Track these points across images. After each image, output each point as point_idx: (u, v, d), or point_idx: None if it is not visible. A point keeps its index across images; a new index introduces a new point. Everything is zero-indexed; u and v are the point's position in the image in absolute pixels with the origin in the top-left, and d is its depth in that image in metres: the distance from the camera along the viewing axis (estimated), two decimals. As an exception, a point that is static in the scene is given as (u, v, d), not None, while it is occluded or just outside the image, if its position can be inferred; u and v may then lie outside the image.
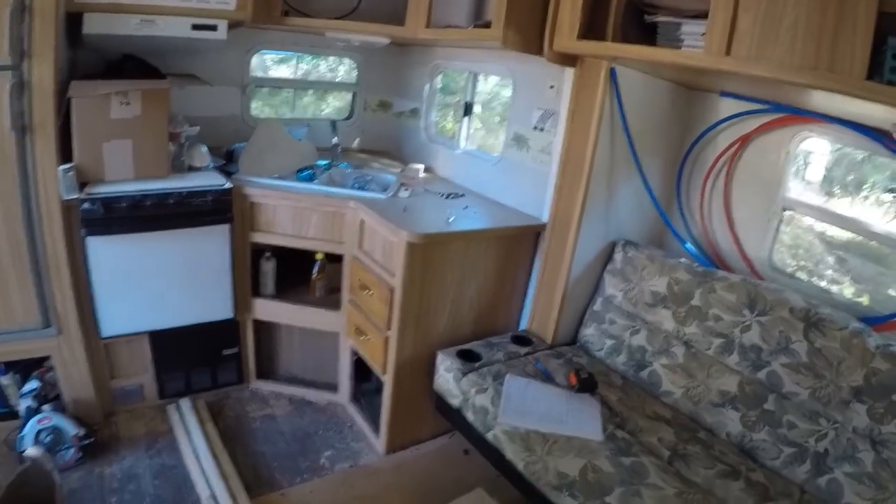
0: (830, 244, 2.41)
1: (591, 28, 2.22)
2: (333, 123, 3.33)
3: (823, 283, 2.40)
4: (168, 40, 2.49)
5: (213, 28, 2.53)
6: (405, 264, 2.35)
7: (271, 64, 3.84)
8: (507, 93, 3.10)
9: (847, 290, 2.38)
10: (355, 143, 3.75)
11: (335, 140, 3.24)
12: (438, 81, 3.55)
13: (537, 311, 2.66)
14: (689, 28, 1.98)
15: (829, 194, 2.42)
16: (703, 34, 1.87)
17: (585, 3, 2.18)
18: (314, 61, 3.92)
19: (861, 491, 1.87)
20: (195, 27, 2.48)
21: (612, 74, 2.27)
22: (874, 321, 2.19)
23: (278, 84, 3.86)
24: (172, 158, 2.61)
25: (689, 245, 2.67)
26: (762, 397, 2.13)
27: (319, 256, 2.84)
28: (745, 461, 2.06)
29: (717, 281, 2.29)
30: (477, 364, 2.41)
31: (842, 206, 2.39)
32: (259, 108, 3.66)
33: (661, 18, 2.09)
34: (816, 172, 2.45)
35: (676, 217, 2.73)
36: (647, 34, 2.14)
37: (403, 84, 3.72)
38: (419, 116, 3.60)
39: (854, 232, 2.33)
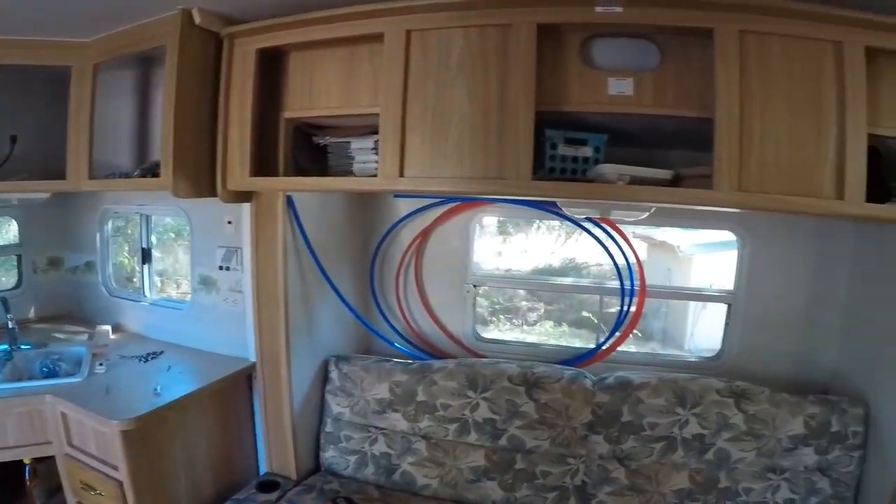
0: (526, 306, 2.61)
1: (264, 161, 2.17)
2: (3, 300, 2.81)
3: (532, 339, 2.56)
4: None
5: None
6: (126, 455, 2.05)
7: None
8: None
9: (555, 339, 2.55)
10: (31, 313, 3.22)
11: (9, 319, 2.73)
12: (110, 228, 3.21)
13: (273, 451, 2.49)
14: (359, 144, 2.04)
15: (505, 233, 2.59)
16: (374, 149, 1.94)
17: (254, 139, 2.12)
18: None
19: (627, 501, 2.20)
20: None
21: (289, 201, 2.25)
22: (587, 356, 2.43)
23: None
24: None
25: (397, 344, 2.74)
26: (510, 460, 2.28)
27: (28, 461, 2.38)
28: (517, 517, 2.18)
29: (434, 373, 2.37)
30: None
31: (518, 240, 2.57)
32: None
33: (329, 140, 2.13)
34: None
35: (378, 319, 2.79)
36: (320, 155, 2.18)
37: (73, 235, 3.29)
38: (95, 270, 3.21)
39: (538, 288, 2.53)
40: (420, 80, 1.82)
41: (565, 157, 1.89)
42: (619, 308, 2.50)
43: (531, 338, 2.66)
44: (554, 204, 2.15)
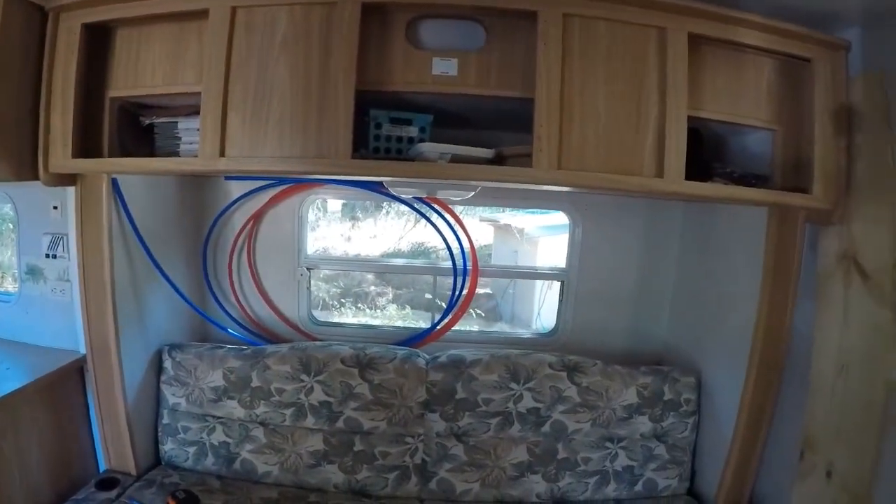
0: (375, 291, 2.61)
1: (89, 143, 2.05)
2: None
3: (376, 321, 2.55)
4: None
5: None
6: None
7: None
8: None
9: (402, 322, 2.55)
10: None
11: None
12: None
13: (110, 447, 2.38)
14: (186, 124, 1.98)
15: (354, 219, 2.57)
16: (200, 129, 1.87)
17: (77, 119, 2.00)
18: None
19: (467, 477, 2.26)
20: None
21: (115, 184, 2.17)
22: (423, 336, 2.43)
23: None
24: None
25: (231, 330, 2.70)
26: (349, 442, 2.29)
27: None
28: (359, 499, 2.23)
29: (267, 358, 2.34)
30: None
31: (367, 227, 2.55)
32: None
33: (155, 120, 2.06)
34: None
35: (212, 305, 2.73)
36: (146, 136, 2.10)
37: None
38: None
39: (372, 269, 2.51)
40: (243, 59, 1.78)
41: (390, 136, 1.91)
42: (452, 288, 2.50)
43: (376, 321, 2.64)
44: (381, 184, 2.12)
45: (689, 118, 1.72)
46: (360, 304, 2.67)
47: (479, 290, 3.10)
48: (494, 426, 2.25)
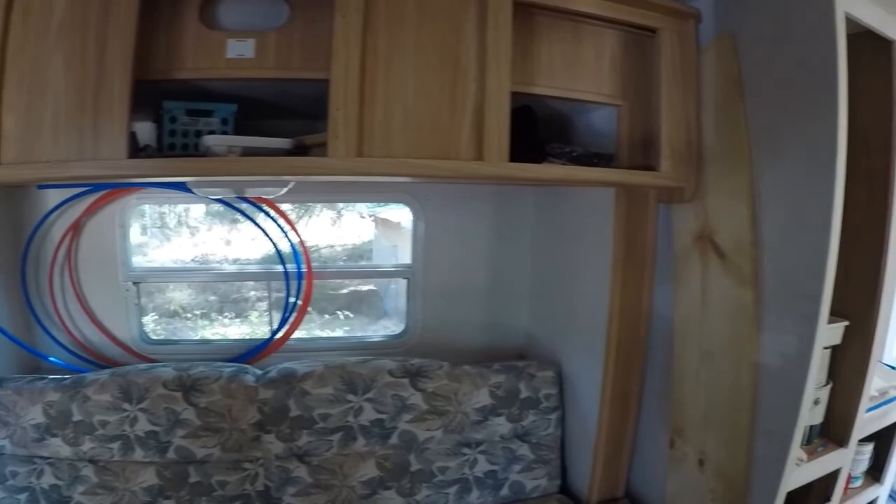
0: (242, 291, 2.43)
1: None
2: None
3: (210, 335, 2.36)
4: None
5: None
6: None
7: None
8: None
9: (235, 332, 2.38)
10: None
11: None
12: None
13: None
14: None
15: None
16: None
17: None
18: None
19: (315, 500, 2.05)
20: None
21: None
22: (261, 348, 2.26)
23: None
24: None
25: (53, 358, 2.43)
26: (183, 474, 2.07)
27: None
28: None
29: (87, 387, 2.09)
30: None
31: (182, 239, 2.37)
32: None
33: None
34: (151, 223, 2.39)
35: (36, 331, 2.45)
36: None
37: None
38: None
39: (202, 279, 2.33)
40: (19, 50, 1.52)
41: (187, 131, 1.68)
42: (286, 294, 2.32)
43: (230, 335, 2.46)
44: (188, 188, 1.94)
45: (519, 95, 1.54)
46: (200, 319, 2.48)
47: (363, 288, 2.95)
48: (337, 443, 2.05)
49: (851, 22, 1.51)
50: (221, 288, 2.65)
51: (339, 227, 2.73)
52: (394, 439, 2.07)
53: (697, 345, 1.88)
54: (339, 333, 2.75)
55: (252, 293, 2.63)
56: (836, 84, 1.42)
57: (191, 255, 2.64)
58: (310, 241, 2.50)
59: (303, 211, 2.66)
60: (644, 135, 1.74)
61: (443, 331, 2.40)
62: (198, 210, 2.59)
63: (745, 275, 1.66)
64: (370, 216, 2.87)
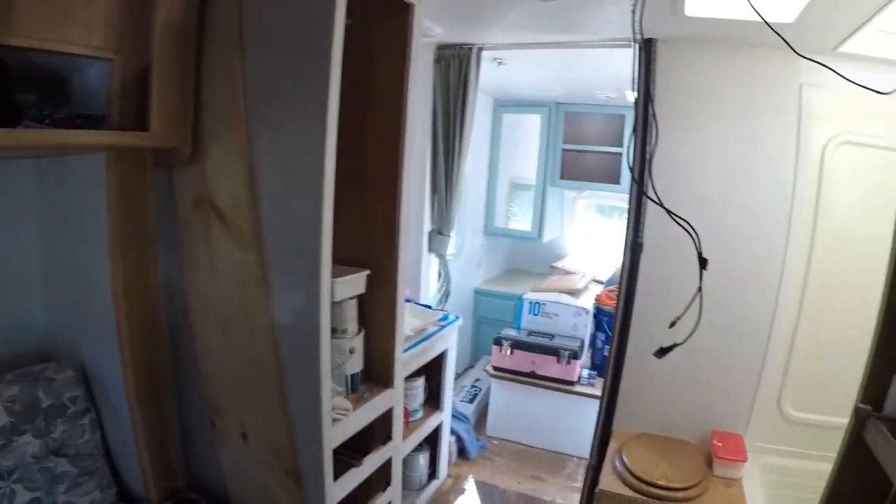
0: None
1: None
2: None
3: None
4: None
5: None
6: None
7: None
8: None
9: None
10: None
11: None
12: None
13: None
14: None
15: None
16: None
17: None
18: None
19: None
20: None
21: None
22: None
23: None
24: None
25: None
26: None
27: None
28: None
29: None
30: None
31: None
32: None
33: None
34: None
35: None
36: None
37: None
38: None
39: None
40: None
41: None
42: None
43: None
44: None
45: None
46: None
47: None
48: None
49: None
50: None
51: None
52: None
53: (213, 315, 1.80)
54: None
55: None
56: (331, 41, 1.41)
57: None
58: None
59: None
60: (139, 92, 1.54)
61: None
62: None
63: (247, 236, 1.62)
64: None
